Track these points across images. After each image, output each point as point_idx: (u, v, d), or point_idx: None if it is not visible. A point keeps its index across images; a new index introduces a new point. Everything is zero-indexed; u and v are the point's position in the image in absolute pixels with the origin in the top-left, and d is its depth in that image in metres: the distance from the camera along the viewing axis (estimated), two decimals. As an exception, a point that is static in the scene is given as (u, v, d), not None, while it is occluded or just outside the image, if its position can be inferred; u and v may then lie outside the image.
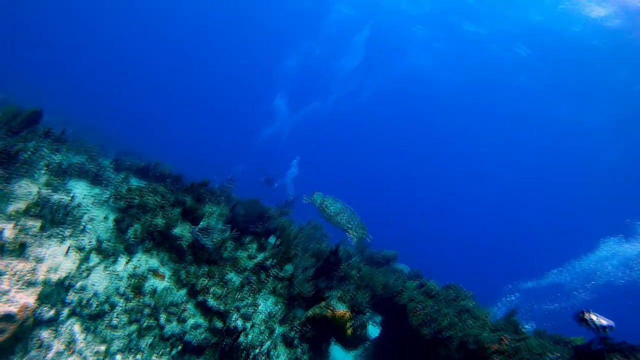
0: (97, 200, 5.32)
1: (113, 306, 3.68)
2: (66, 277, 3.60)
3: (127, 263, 4.23)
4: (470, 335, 4.50)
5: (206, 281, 4.38)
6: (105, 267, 4.02)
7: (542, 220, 48.36)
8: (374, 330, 6.89)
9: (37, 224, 4.09)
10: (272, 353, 3.96)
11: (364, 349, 6.36)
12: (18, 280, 3.36)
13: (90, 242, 4.26)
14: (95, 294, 3.65)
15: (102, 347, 3.32)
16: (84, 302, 3.53)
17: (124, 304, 3.76)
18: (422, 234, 43.92)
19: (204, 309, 4.14)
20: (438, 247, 41.71)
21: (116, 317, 3.62)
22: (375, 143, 56.76)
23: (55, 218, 4.22)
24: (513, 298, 9.01)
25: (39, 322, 3.20)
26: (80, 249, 4.06)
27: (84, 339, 3.31)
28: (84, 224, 4.50)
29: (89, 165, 6.24)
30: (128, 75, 52.82)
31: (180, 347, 3.70)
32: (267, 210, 5.97)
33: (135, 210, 5.11)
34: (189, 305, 4.12)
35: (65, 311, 3.40)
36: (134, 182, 7.10)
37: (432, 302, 5.63)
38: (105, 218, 4.89)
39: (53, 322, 3.29)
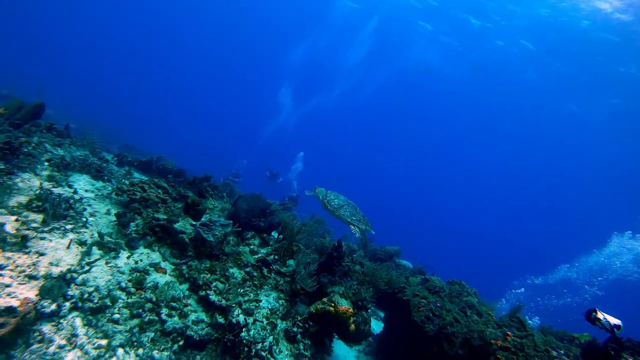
0: (99, 195, 5.31)
1: (115, 300, 3.66)
2: (68, 271, 3.59)
3: (128, 257, 4.22)
4: (475, 331, 4.44)
5: (208, 276, 4.36)
6: (106, 261, 4.01)
7: (551, 216, 47.96)
8: (377, 326, 6.86)
9: (39, 217, 4.08)
10: (274, 349, 3.93)
11: (367, 344, 6.33)
12: (20, 274, 3.36)
13: (92, 236, 4.25)
14: (97, 288, 3.64)
15: (104, 342, 3.31)
16: (86, 296, 3.52)
17: (125, 299, 3.75)
18: (428, 230, 43.82)
19: (206, 304, 4.11)
20: (445, 243, 41.60)
21: (118, 312, 3.60)
22: (380, 138, 56.43)
23: (57, 212, 4.21)
24: (519, 292, 8.95)
25: (41, 316, 3.19)
26: (81, 242, 4.05)
27: (86, 333, 3.29)
28: (85, 218, 4.49)
29: (92, 159, 6.24)
30: (132, 70, 52.94)
31: (182, 342, 3.68)
32: (269, 204, 5.93)
33: (137, 205, 5.09)
34: (191, 300, 4.10)
35: (67, 305, 3.39)
36: (137, 176, 7.10)
37: (436, 298, 5.58)
38: (107, 212, 4.88)
39: (54, 316, 3.27)
